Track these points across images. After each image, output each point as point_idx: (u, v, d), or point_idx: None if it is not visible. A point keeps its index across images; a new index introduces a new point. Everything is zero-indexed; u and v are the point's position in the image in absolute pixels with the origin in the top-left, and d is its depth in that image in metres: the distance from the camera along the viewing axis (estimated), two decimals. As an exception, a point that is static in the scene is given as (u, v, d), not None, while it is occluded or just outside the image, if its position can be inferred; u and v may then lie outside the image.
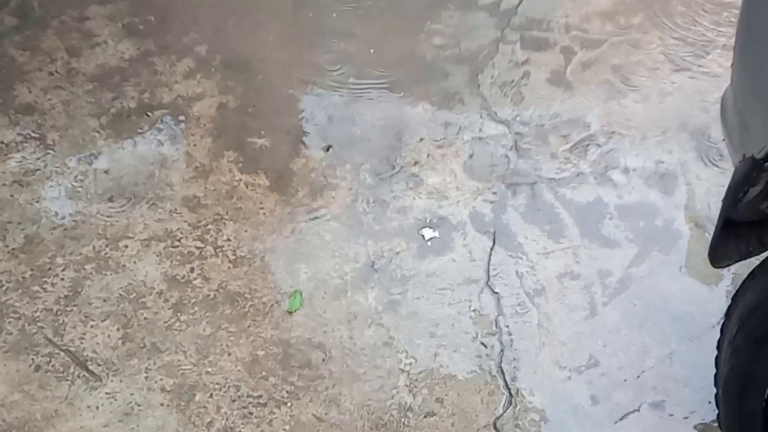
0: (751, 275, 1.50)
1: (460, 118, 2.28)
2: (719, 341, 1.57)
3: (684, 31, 2.40)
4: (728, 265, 1.57)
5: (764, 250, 1.52)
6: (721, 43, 2.37)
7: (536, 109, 2.29)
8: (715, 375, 1.60)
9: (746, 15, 1.41)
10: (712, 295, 1.92)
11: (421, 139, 2.23)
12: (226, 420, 1.76)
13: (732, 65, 1.48)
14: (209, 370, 1.82)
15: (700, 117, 2.24)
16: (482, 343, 1.85)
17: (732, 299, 1.53)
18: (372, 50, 2.42)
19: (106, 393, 1.79)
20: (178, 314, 1.90)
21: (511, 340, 1.86)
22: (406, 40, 2.45)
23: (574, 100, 2.30)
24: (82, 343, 1.86)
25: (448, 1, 2.51)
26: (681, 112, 2.26)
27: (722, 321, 1.57)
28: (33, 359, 1.83)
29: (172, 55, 2.42)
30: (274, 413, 1.77)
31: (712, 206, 2.07)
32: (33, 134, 2.23)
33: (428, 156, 2.20)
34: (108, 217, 2.06)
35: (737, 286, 1.54)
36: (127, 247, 2.01)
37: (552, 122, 2.26)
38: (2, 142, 2.21)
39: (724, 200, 1.42)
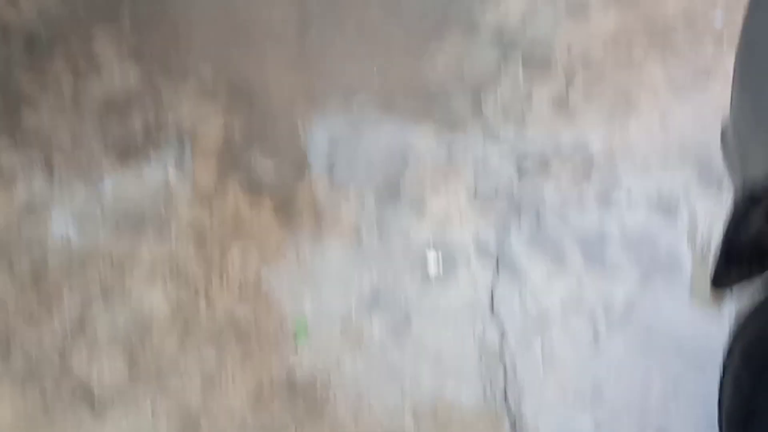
0: (753, 307, 1.51)
1: (464, 141, 2.29)
2: (722, 372, 1.58)
3: (686, 53, 2.40)
4: (730, 287, 1.58)
5: (765, 271, 1.52)
6: (723, 65, 2.38)
7: (539, 132, 2.30)
8: (719, 404, 1.60)
9: (746, 37, 1.42)
10: (717, 322, 1.92)
11: (425, 163, 2.24)
12: (232, 449, 1.77)
13: (731, 88, 1.48)
14: (215, 398, 1.83)
15: (702, 140, 2.24)
16: (486, 372, 1.86)
17: (734, 330, 1.53)
18: (376, 73, 2.44)
19: (112, 421, 1.80)
20: (184, 342, 1.91)
21: (515, 369, 1.87)
22: (410, 63, 2.46)
23: (577, 124, 2.31)
24: (88, 370, 1.87)
25: (452, 24, 2.52)
26: (683, 135, 2.27)
27: (726, 350, 1.57)
28: (39, 387, 1.84)
29: (177, 78, 2.43)
30: (279, 442, 1.78)
31: (714, 230, 2.07)
32: (39, 158, 2.25)
33: (432, 180, 2.21)
34: (114, 242, 2.08)
35: (740, 316, 1.55)
36: (132, 273, 2.02)
37: (555, 145, 2.26)
38: (8, 167, 2.22)
39: (724, 236, 1.43)
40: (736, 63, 1.44)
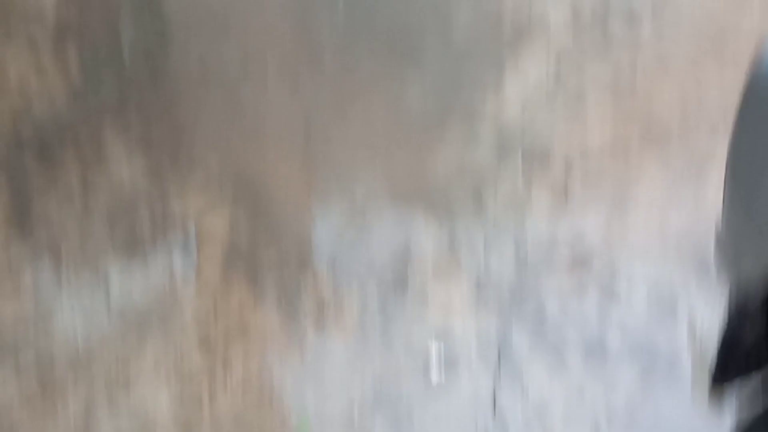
0: (753, 419, 1.51)
1: (466, 233, 2.32)
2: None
3: (682, 146, 2.45)
4: (730, 388, 1.58)
5: (763, 366, 1.52)
6: (719, 157, 2.41)
7: (539, 223, 2.33)
8: None
9: (736, 137, 1.42)
10: (718, 427, 1.92)
11: (427, 256, 2.27)
12: None
13: (723, 188, 1.49)
14: (218, 499, 1.84)
15: (700, 234, 2.27)
16: (488, 473, 1.87)
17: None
18: (378, 167, 2.48)
19: None
20: (188, 441, 1.92)
21: (517, 470, 1.87)
22: (412, 156, 2.50)
23: (576, 216, 2.34)
24: (92, 469, 1.88)
25: (453, 116, 2.57)
26: (681, 228, 2.30)
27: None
28: (44, 487, 1.85)
29: (183, 171, 2.47)
30: None
31: (714, 327, 2.09)
32: (47, 252, 2.28)
33: (434, 273, 2.23)
34: (119, 337, 2.10)
35: (740, 425, 1.55)
36: (137, 370, 2.04)
37: (554, 237, 2.30)
38: (17, 260, 2.25)
39: (721, 338, 1.44)
40: (727, 163, 1.45)
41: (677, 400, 1.97)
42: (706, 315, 2.12)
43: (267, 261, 2.25)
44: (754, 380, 1.51)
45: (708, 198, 2.34)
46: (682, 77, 2.51)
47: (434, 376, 2.03)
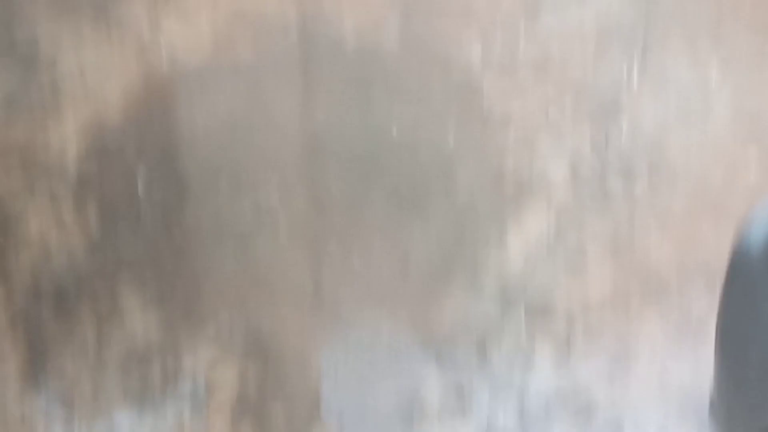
0: None
1: (471, 386, 2.36)
2: None
3: (681, 302, 2.50)
4: None
5: None
6: (716, 311, 2.47)
7: (543, 376, 2.37)
8: None
9: (723, 307, 1.46)
10: None
11: (433, 408, 2.31)
12: None
13: (714, 360, 1.52)
14: None
15: (701, 392, 2.30)
16: None
17: None
18: (385, 318, 2.54)
19: None
20: None
21: None
22: (417, 307, 2.56)
23: (578, 369, 2.38)
24: None
25: (456, 269, 2.64)
26: (681, 386, 2.33)
27: None
28: None
29: (195, 324, 2.54)
30: None
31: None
32: (59, 403, 2.33)
33: (440, 426, 2.27)
34: (128, 493, 2.13)
35: None
36: None
37: (557, 391, 2.33)
38: (29, 411, 2.30)
39: None
40: (715, 335, 1.49)
41: None
42: (709, 472, 2.13)
43: (275, 413, 2.30)
44: None
45: (706, 352, 2.38)
46: (678, 233, 2.59)
47: None
